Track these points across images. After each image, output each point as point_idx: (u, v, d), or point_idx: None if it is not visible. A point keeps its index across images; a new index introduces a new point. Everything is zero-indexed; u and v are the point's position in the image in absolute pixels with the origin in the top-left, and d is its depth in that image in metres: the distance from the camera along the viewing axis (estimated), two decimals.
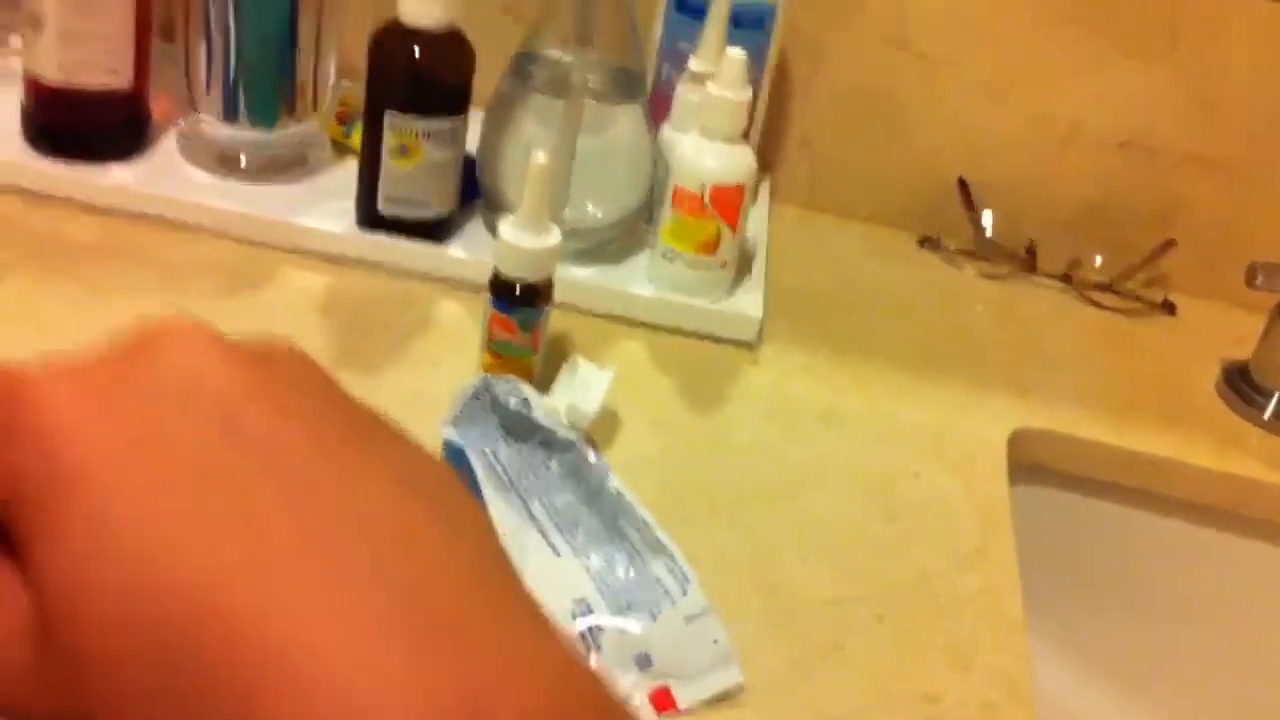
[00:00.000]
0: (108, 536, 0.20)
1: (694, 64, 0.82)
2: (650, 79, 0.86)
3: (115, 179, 0.81)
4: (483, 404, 0.64)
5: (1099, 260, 0.97)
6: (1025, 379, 0.84)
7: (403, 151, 0.78)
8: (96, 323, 0.71)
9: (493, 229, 0.81)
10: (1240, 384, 0.87)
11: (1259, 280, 0.84)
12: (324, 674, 0.19)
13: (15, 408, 0.22)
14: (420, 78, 0.77)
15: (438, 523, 0.22)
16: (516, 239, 0.68)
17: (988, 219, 0.97)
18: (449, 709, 0.19)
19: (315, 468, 0.22)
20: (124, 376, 0.22)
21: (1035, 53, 0.93)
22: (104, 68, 0.79)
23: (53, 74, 0.79)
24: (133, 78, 0.81)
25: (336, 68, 0.85)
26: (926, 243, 0.98)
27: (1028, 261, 0.96)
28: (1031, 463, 0.81)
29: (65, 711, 0.21)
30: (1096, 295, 0.96)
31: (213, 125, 0.83)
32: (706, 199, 0.77)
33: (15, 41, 0.84)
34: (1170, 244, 0.96)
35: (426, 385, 0.71)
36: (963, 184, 0.97)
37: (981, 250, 0.97)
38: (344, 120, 0.87)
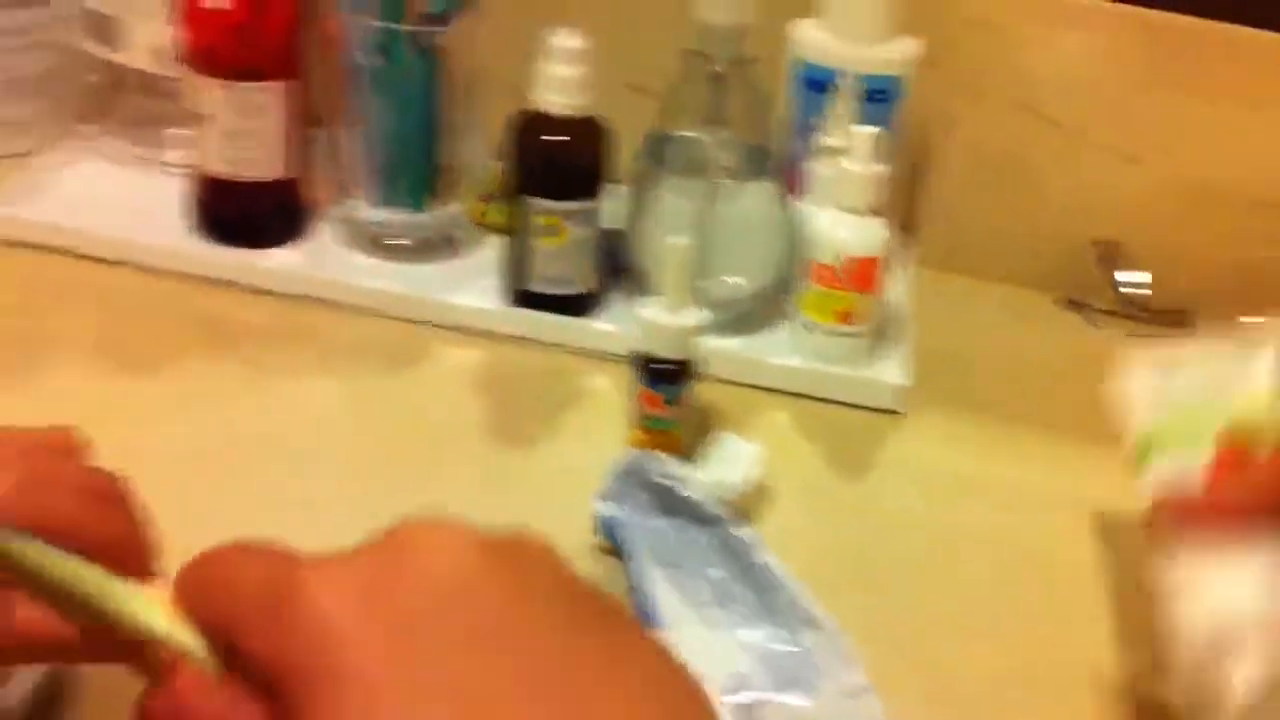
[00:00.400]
0: (376, 712, 0.23)
1: (824, 139, 0.83)
2: (783, 153, 0.87)
3: (277, 263, 0.85)
4: (634, 479, 0.66)
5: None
6: None
7: (545, 232, 0.80)
8: (264, 400, 0.75)
9: (636, 301, 0.83)
10: None
11: None
12: None
13: (286, 600, 0.25)
14: (558, 164, 0.79)
15: None
16: (659, 319, 0.70)
17: (1129, 279, 0.96)
18: None
19: (571, 678, 0.24)
20: (388, 577, 0.25)
21: (1163, 114, 0.92)
22: (265, 160, 0.83)
23: (218, 167, 0.83)
24: (291, 167, 0.85)
25: (478, 150, 0.88)
26: (1071, 304, 0.97)
27: (1174, 319, 0.95)
28: None
29: None
30: None
31: (364, 209, 0.87)
32: (841, 271, 0.78)
33: (172, 134, 0.89)
34: None
35: (577, 458, 0.73)
36: (1101, 244, 0.96)
37: (1124, 310, 0.96)
38: (486, 199, 0.90)
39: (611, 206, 0.83)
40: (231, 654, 0.27)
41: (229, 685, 0.26)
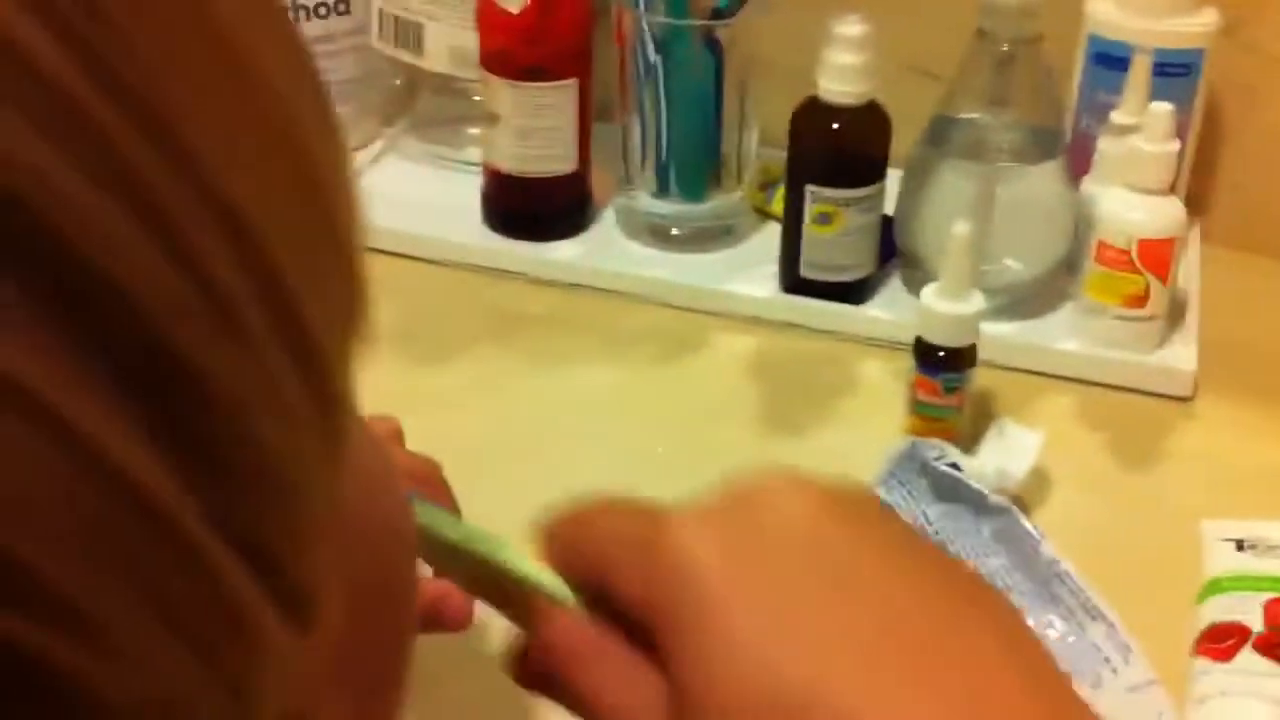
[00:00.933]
0: (740, 649, 0.26)
1: (1117, 116, 0.80)
2: (1068, 132, 0.85)
3: (563, 255, 0.89)
4: (912, 466, 0.66)
5: None
6: None
7: (824, 220, 0.81)
8: (547, 386, 0.78)
9: (910, 287, 0.83)
10: None
11: None
12: None
13: (657, 546, 0.28)
14: (840, 152, 0.80)
15: (1026, 673, 0.26)
16: (939, 306, 0.70)
17: None
18: None
19: (922, 622, 0.26)
20: (745, 526, 0.27)
21: None
22: (553, 156, 0.87)
23: (508, 164, 0.87)
24: (577, 162, 0.88)
25: (757, 141, 0.89)
26: None
27: None
28: None
29: None
30: None
31: (646, 200, 0.90)
32: (1134, 253, 0.76)
33: (469, 133, 0.94)
34: None
35: (851, 444, 0.74)
36: None
37: None
38: (765, 188, 0.92)
39: (889, 192, 0.83)
40: (596, 603, 0.30)
41: (601, 627, 0.30)
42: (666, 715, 0.27)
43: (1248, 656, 0.57)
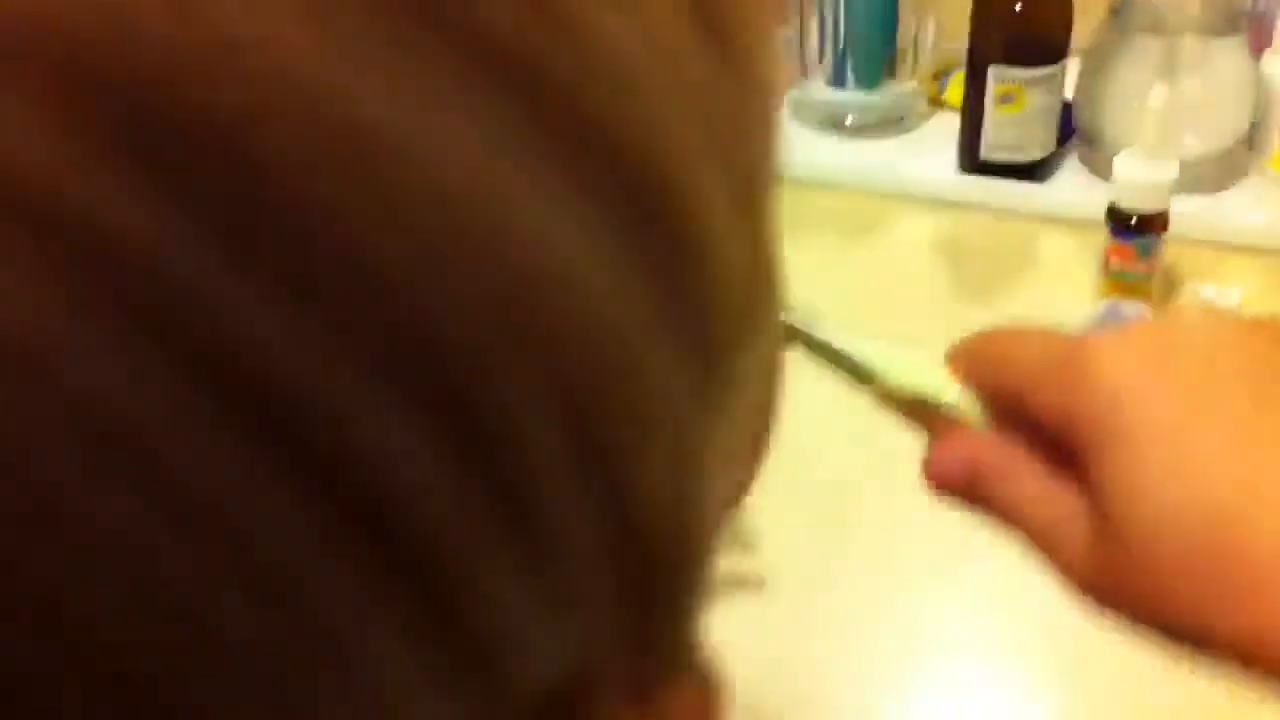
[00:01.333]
0: (1164, 464, 0.27)
1: None
2: (1251, 8, 0.86)
3: None
4: (1116, 326, 0.68)
5: None
6: None
7: (1006, 100, 0.83)
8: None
9: (1091, 166, 0.85)
10: None
11: None
12: None
13: (1079, 364, 0.29)
14: (1024, 31, 0.82)
15: None
16: (1134, 172, 0.72)
17: None
18: None
19: None
20: (1169, 345, 0.29)
21: None
22: None
23: None
24: None
25: (934, 31, 0.92)
26: None
27: None
28: None
29: (1102, 576, 0.29)
30: None
31: (822, 90, 0.92)
32: None
33: None
34: None
35: (1044, 313, 0.76)
36: None
37: None
38: (938, 77, 0.94)
39: (1075, 70, 0.85)
40: (1012, 421, 0.32)
41: (1006, 436, 0.32)
42: (1088, 529, 0.29)
43: None
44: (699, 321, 0.16)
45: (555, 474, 0.15)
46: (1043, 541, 0.31)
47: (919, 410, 0.34)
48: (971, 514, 0.33)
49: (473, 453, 0.14)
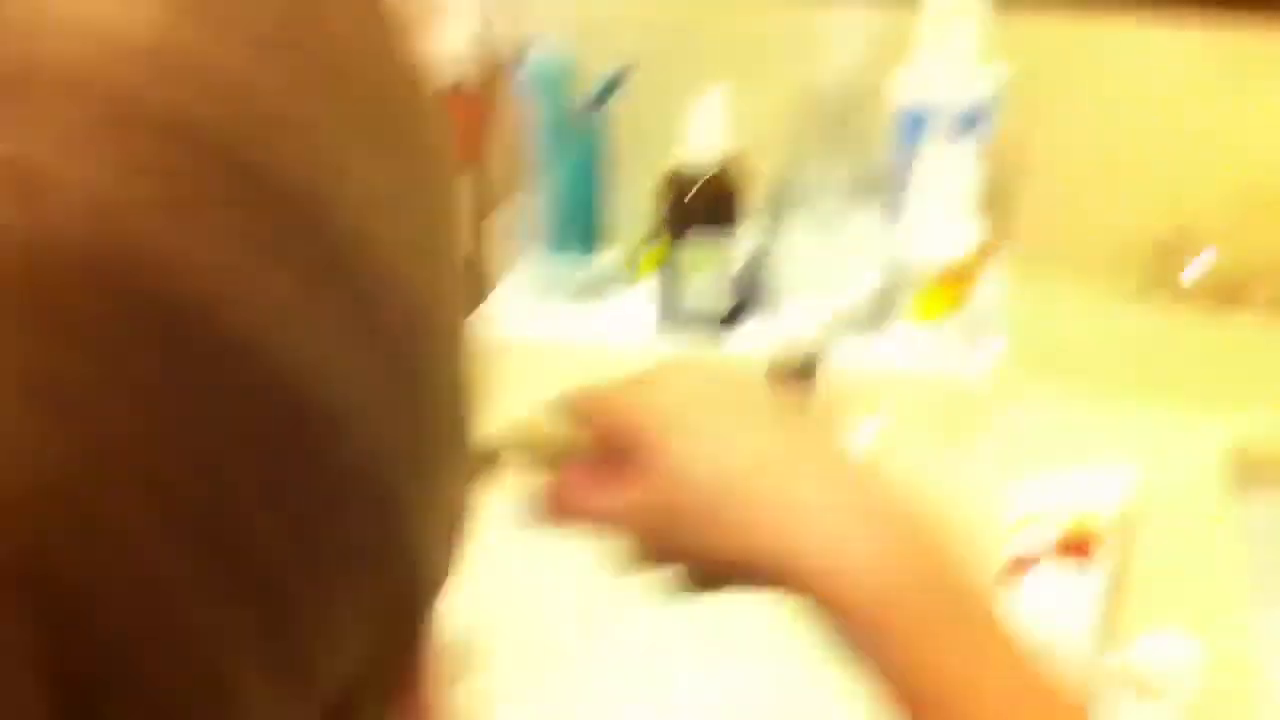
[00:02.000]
0: (711, 443, 0.46)
1: (923, 161, 0.98)
2: (888, 178, 1.02)
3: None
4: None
5: None
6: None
7: (693, 265, 0.97)
8: None
9: (765, 317, 1.00)
10: None
11: None
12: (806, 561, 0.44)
13: (644, 391, 0.47)
14: (705, 205, 0.97)
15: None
16: (797, 321, 0.87)
17: (1198, 265, 1.08)
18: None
19: (803, 438, 0.46)
20: (698, 377, 0.48)
21: (1231, 117, 1.05)
22: None
23: None
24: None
25: (633, 204, 1.06)
26: (1149, 290, 1.10)
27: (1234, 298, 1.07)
28: None
29: (669, 533, 0.46)
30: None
31: (539, 257, 1.05)
32: (946, 274, 0.94)
33: None
34: None
35: None
36: (1173, 234, 1.09)
37: (1195, 294, 1.08)
38: (642, 245, 1.08)
39: (748, 237, 0.99)
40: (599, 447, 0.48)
41: (596, 464, 0.48)
42: (656, 504, 0.45)
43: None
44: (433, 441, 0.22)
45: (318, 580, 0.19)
46: (628, 523, 0.46)
47: (543, 456, 0.49)
48: (573, 529, 0.48)
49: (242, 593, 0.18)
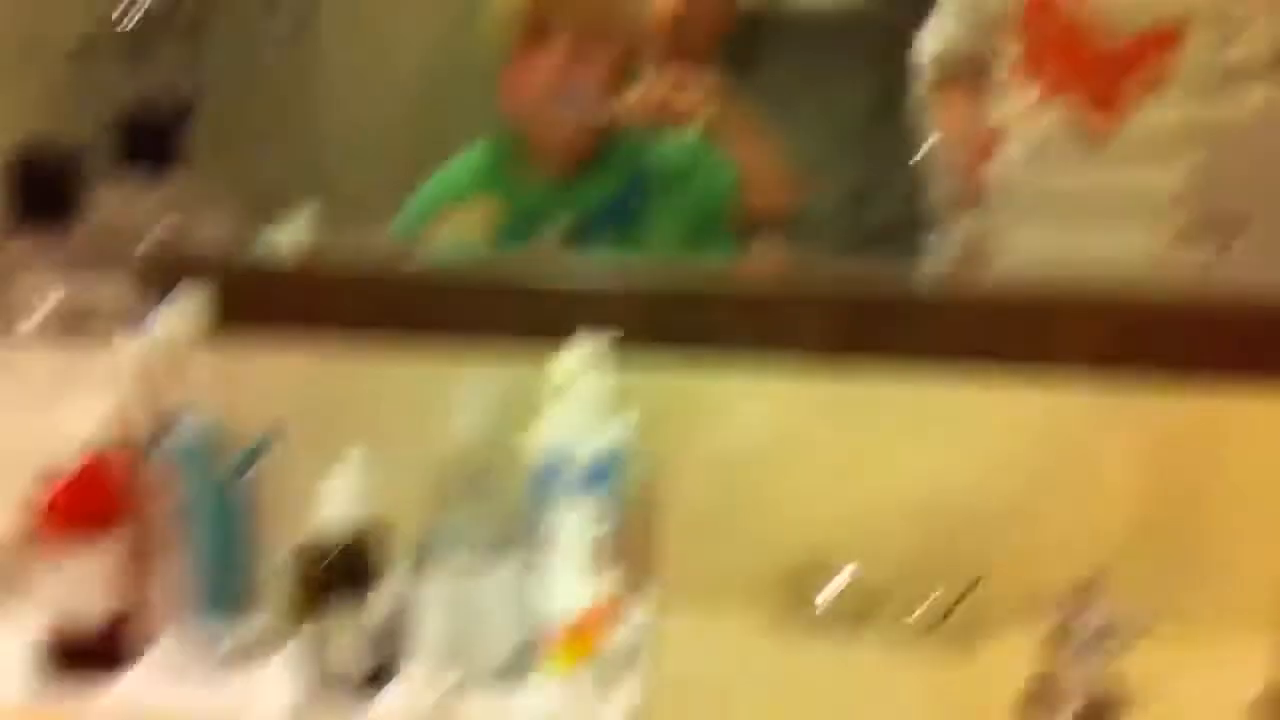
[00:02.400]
0: None
1: (555, 512, 1.04)
2: (524, 533, 1.07)
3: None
4: None
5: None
6: None
7: (334, 630, 0.99)
8: None
9: (411, 675, 1.01)
10: None
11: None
12: None
13: None
14: (338, 576, 0.99)
15: None
16: (427, 690, 0.89)
17: (832, 590, 1.16)
18: None
19: None
20: None
21: (840, 457, 1.15)
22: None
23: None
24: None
25: (281, 566, 1.08)
26: (791, 617, 1.17)
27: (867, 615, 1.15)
28: None
29: None
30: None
31: (191, 627, 1.05)
32: (578, 624, 0.98)
33: None
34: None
35: None
36: (807, 567, 1.17)
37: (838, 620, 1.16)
38: (286, 607, 1.09)
39: (390, 596, 1.02)
40: None
41: None
42: None
43: None
44: None
45: None
46: None
47: None
48: None
49: None
